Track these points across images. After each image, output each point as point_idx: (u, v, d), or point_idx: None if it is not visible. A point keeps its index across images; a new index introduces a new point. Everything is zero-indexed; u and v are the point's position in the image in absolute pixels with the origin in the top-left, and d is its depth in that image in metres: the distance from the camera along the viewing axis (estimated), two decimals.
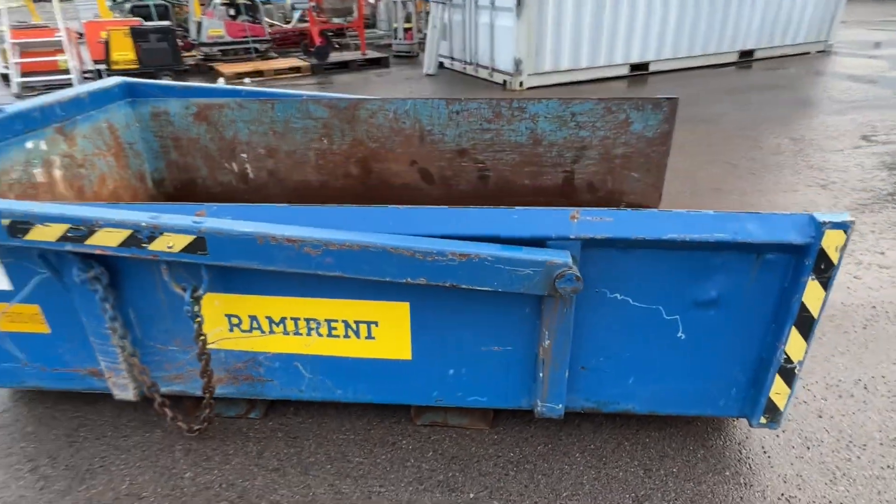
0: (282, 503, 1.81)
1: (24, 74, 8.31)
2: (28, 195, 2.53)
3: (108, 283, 1.82)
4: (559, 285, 1.56)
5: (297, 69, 9.59)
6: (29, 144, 2.53)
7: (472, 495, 1.83)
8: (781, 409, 1.82)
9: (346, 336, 1.90)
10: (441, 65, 9.92)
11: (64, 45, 8.35)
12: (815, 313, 1.66)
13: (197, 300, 1.75)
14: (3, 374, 2.12)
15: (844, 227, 1.52)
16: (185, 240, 1.60)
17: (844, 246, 1.55)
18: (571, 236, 1.63)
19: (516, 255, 1.57)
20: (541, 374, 1.86)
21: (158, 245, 1.61)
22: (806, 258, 1.58)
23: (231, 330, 1.93)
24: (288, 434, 2.09)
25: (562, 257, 1.58)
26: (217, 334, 1.94)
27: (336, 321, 1.87)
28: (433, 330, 1.87)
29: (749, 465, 1.92)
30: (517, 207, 1.76)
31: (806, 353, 1.72)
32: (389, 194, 3.35)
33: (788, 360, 1.73)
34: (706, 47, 9.01)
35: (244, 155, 3.33)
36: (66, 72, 8.41)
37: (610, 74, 8.47)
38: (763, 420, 1.85)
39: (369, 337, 1.89)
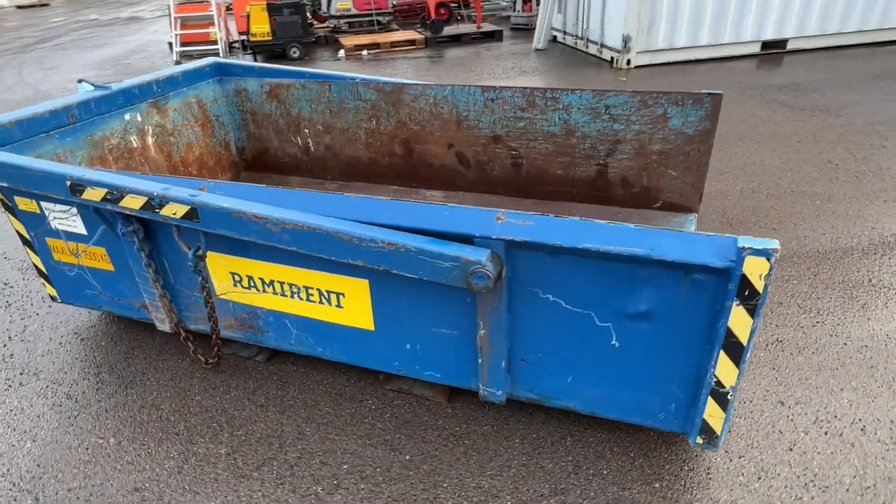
0: (256, 433, 2.18)
1: (182, 44, 9.65)
2: (124, 158, 3.14)
3: (144, 237, 2.27)
4: (472, 280, 1.67)
5: (412, 42, 9.95)
6: (127, 116, 3.12)
7: (407, 457, 2.04)
8: (717, 432, 1.77)
9: (321, 302, 2.17)
10: (554, 38, 9.68)
11: (214, 18, 9.52)
12: (742, 340, 1.58)
13: (200, 258, 2.13)
14: (88, 298, 2.73)
15: (767, 254, 1.44)
16: (183, 209, 1.97)
17: (769, 274, 1.47)
18: (493, 236, 1.71)
19: (436, 249, 1.71)
20: (479, 360, 1.99)
21: (166, 211, 2.00)
22: (729, 282, 1.52)
23: (235, 285, 2.31)
24: (280, 379, 2.45)
25: (477, 255, 1.68)
26: (225, 287, 2.33)
27: (311, 289, 2.15)
28: (391, 306, 2.07)
29: (684, 482, 1.89)
30: (450, 204, 1.87)
31: (738, 378, 1.66)
32: (429, 174, 3.55)
33: (720, 383, 1.68)
34: (864, 22, 7.75)
35: (306, 130, 3.72)
36: (215, 42, 9.61)
37: (735, 53, 7.68)
38: (699, 440, 1.81)
39: (339, 306, 2.15)
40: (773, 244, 1.45)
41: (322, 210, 1.90)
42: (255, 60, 9.61)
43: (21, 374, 2.56)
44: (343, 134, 3.63)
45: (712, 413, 1.74)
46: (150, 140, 3.28)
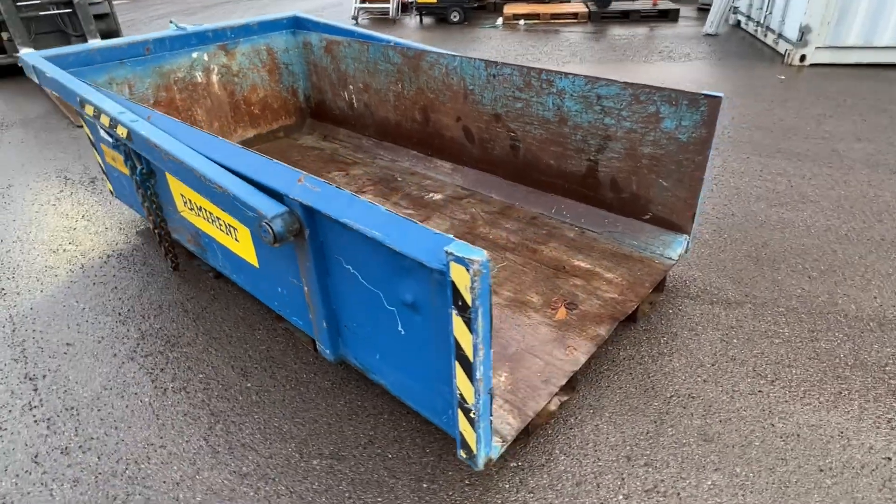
0: (165, 329, 2.58)
1: (361, 2, 10.56)
2: (188, 90, 3.74)
3: (127, 152, 2.75)
4: (260, 232, 1.76)
5: (574, 15, 9.50)
6: (194, 55, 3.70)
7: (248, 385, 2.25)
8: (473, 450, 1.63)
9: (227, 234, 2.44)
10: (738, 24, 8.41)
11: None
12: (468, 354, 1.43)
13: (144, 176, 2.55)
14: (125, 197, 3.39)
15: (465, 264, 1.28)
16: (124, 131, 2.37)
17: (474, 287, 1.30)
18: (292, 196, 1.77)
19: (244, 197, 1.82)
20: (310, 316, 2.08)
21: (119, 131, 2.43)
22: (447, 287, 1.39)
23: (185, 205, 2.69)
24: (214, 294, 2.82)
25: (268, 210, 1.75)
26: (181, 206, 2.74)
27: (220, 220, 2.43)
28: (264, 248, 2.25)
29: (452, 493, 1.79)
30: (276, 161, 1.93)
31: (477, 397, 1.50)
32: (441, 144, 3.56)
33: (463, 398, 1.54)
34: None
35: (351, 87, 3.97)
36: (388, 1, 10.33)
37: None
38: (462, 454, 1.69)
39: (236, 240, 2.40)
40: (477, 255, 1.29)
41: (202, 148, 2.13)
42: (421, 22, 10.12)
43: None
44: (377, 94, 3.80)
45: (465, 429, 1.62)
46: (214, 78, 3.84)
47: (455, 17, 9.75)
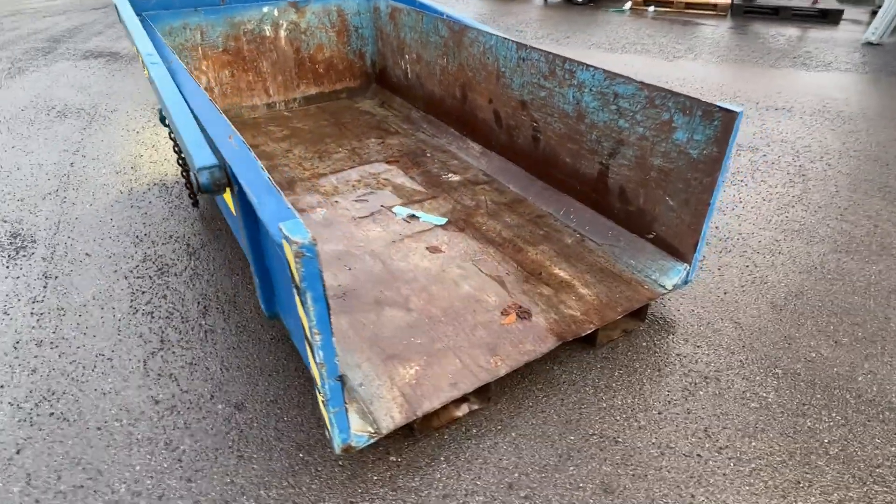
0: (178, 265, 2.82)
1: None
2: (255, 42, 3.96)
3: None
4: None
5: (712, 6, 8.55)
6: (265, 9, 3.89)
7: (203, 322, 2.40)
8: (329, 433, 1.60)
9: None
10: None
11: None
12: (308, 336, 1.40)
13: (160, 113, 2.75)
14: None
15: (290, 243, 1.23)
16: (147, 72, 2.57)
17: (299, 268, 1.25)
18: (220, 152, 1.81)
19: (188, 146, 1.90)
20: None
21: (145, 71, 2.64)
22: (285, 263, 1.35)
23: None
24: (227, 234, 3.02)
25: (199, 161, 1.79)
26: None
27: None
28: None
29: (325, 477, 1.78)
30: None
31: (322, 382, 1.47)
32: (474, 125, 3.45)
33: (315, 380, 1.51)
34: None
35: (407, 56, 3.95)
36: None
37: None
38: (327, 434, 1.67)
39: None
40: (301, 236, 1.24)
41: (192, 103, 2.25)
42: (546, 0, 9.73)
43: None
44: (427, 66, 3.75)
45: (322, 410, 1.60)
46: (282, 33, 4.02)
47: None
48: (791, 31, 7.55)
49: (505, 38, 2.94)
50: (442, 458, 1.83)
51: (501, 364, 1.98)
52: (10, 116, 4.70)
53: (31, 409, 2.01)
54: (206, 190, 1.81)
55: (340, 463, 1.81)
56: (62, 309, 2.49)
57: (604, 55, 6.38)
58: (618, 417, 1.96)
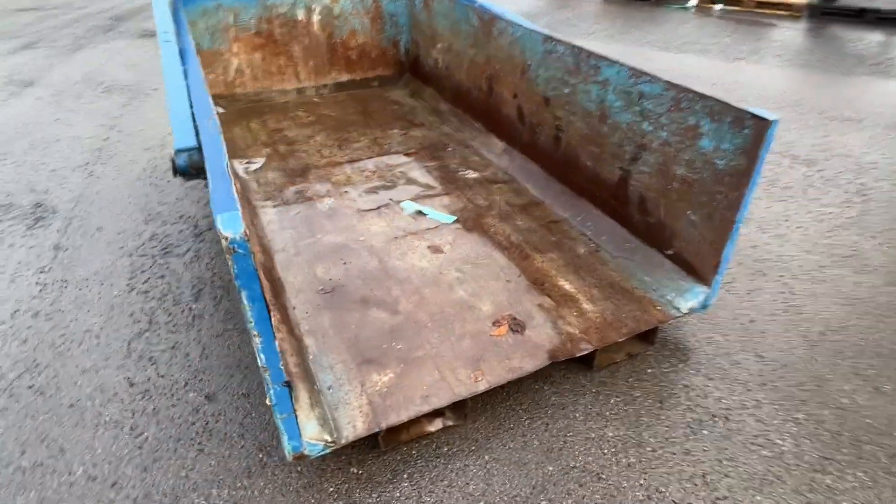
0: (182, 247, 2.82)
1: None
2: (287, 25, 3.92)
3: None
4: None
5: (786, 6, 7.92)
6: None
7: (194, 307, 2.36)
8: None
9: None
10: None
11: None
12: (251, 336, 1.30)
13: None
14: None
15: (223, 237, 1.12)
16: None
17: (233, 264, 1.15)
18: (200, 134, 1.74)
19: (173, 125, 1.84)
20: None
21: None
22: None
23: None
24: None
25: (179, 142, 1.74)
26: None
27: None
28: None
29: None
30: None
31: (267, 387, 1.37)
32: (498, 119, 3.28)
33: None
34: None
35: (438, 45, 3.81)
36: None
37: None
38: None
39: None
40: (233, 230, 1.14)
41: (191, 81, 2.20)
42: None
43: None
44: (455, 57, 3.60)
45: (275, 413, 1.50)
46: (315, 17, 3.96)
47: None
48: (874, 36, 6.89)
49: (532, 30, 2.76)
50: (405, 476, 1.70)
51: (482, 379, 1.83)
52: (61, 90, 4.89)
53: (13, 380, 2.02)
54: (182, 171, 1.75)
55: (298, 469, 1.72)
56: (65, 281, 2.52)
57: (656, 53, 6.02)
58: (605, 451, 1.77)
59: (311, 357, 1.92)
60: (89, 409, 1.91)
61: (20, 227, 2.91)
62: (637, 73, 2.18)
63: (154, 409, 1.91)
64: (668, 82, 2.06)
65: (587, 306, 2.15)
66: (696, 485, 1.68)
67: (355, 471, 1.72)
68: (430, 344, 1.97)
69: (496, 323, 2.07)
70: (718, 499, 1.64)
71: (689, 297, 2.13)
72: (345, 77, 4.30)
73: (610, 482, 1.68)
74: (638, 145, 2.26)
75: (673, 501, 1.63)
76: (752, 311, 2.37)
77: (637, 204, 2.36)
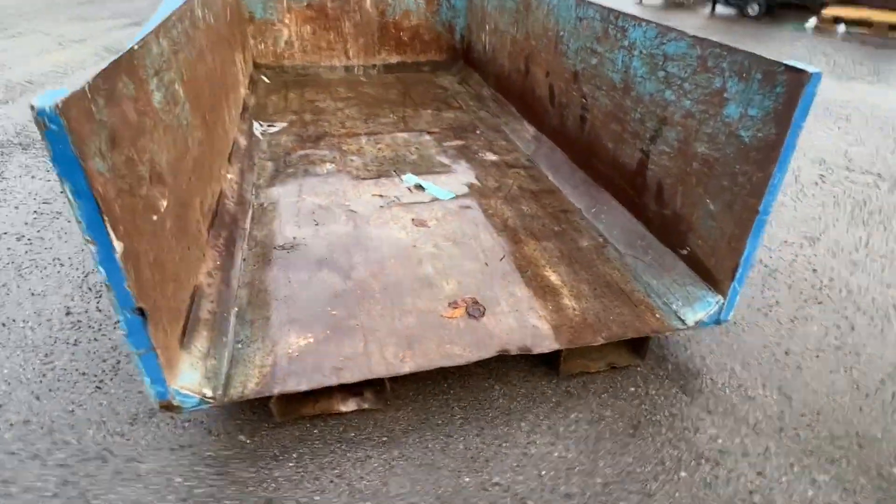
0: None
1: None
2: (337, 4, 3.86)
3: None
4: None
5: None
6: None
7: None
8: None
9: None
10: None
11: None
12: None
13: None
14: None
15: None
16: None
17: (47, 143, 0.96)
18: None
19: None
20: None
21: None
22: None
23: None
24: None
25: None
26: None
27: None
28: None
29: None
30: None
31: (115, 311, 1.18)
32: (532, 103, 2.99)
33: None
34: None
35: (487, 27, 3.57)
36: None
37: None
38: None
39: None
40: (45, 102, 0.96)
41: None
42: (713, 11, 8.63)
43: None
44: (500, 38, 3.34)
45: None
46: None
47: (754, 10, 8.03)
48: None
49: None
50: (294, 455, 1.45)
51: (409, 361, 1.54)
52: None
53: None
54: None
55: (185, 426, 1.52)
56: (59, 213, 2.54)
57: None
58: (542, 474, 1.41)
59: (235, 309, 1.73)
60: (17, 331, 1.84)
61: (47, 161, 3.01)
62: (663, 31, 1.82)
63: (76, 340, 1.80)
64: (693, 37, 1.68)
65: (568, 302, 1.79)
66: None
67: (244, 439, 1.49)
68: (368, 315, 1.71)
69: (453, 304, 1.77)
70: None
71: (698, 308, 1.70)
72: (394, 59, 4.18)
73: None
74: (659, 119, 1.88)
75: None
76: (790, 342, 1.87)
77: (654, 193, 1.96)
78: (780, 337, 1.90)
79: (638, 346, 1.76)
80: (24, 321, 1.88)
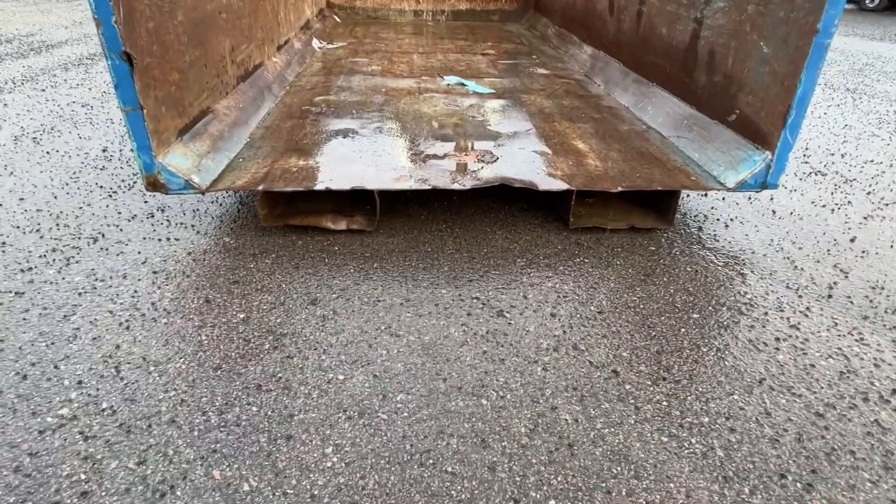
0: None
1: None
2: None
3: None
4: None
5: None
6: None
7: None
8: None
9: None
10: None
11: None
12: None
13: None
14: None
15: None
16: None
17: None
18: None
19: None
20: None
21: None
22: None
23: None
24: None
25: None
26: None
27: None
28: None
29: None
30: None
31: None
32: (592, 20, 2.84)
33: None
34: None
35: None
36: None
37: None
38: None
39: None
40: None
41: None
42: None
43: None
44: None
45: None
46: None
47: (872, 2, 7.30)
48: None
49: None
50: (272, 256, 1.39)
51: (403, 181, 1.45)
52: None
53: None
54: None
55: (176, 225, 1.52)
56: None
57: (857, 41, 4.83)
58: (529, 297, 1.26)
59: (247, 140, 1.72)
60: (56, 158, 1.95)
61: (79, 70, 3.21)
62: None
63: (104, 167, 1.88)
64: None
65: (592, 161, 1.62)
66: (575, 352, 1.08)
67: (228, 241, 1.46)
68: (375, 146, 1.65)
69: (461, 149, 1.66)
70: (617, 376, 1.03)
71: (742, 169, 1.48)
72: (464, 5, 4.16)
73: (510, 324, 1.17)
74: None
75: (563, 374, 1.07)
76: (858, 233, 1.59)
77: (706, 63, 1.75)
78: (846, 229, 1.61)
79: (665, 210, 1.56)
80: (65, 153, 1.99)
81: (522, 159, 1.62)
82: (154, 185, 1.36)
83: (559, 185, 1.45)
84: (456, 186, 1.43)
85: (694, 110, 1.82)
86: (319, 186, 1.41)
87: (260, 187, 1.39)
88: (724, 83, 1.66)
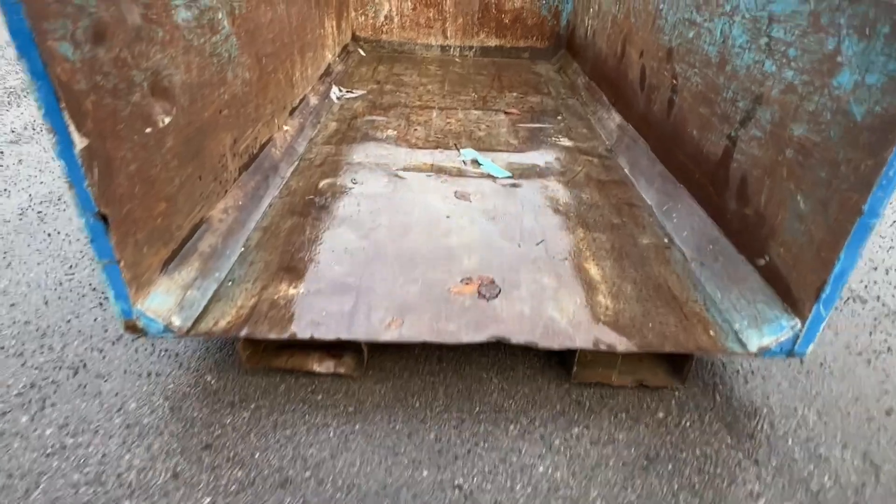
0: None
1: None
2: None
3: None
4: None
5: None
6: None
7: None
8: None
9: None
10: None
11: None
12: None
13: None
14: None
15: None
16: None
17: None
18: None
19: None
20: None
21: None
22: None
23: None
24: None
25: None
26: None
27: None
28: None
29: None
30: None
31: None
32: (623, 86, 2.68)
33: None
34: None
35: (591, 10, 3.29)
36: None
37: None
38: None
39: None
40: None
41: None
42: None
43: None
44: (602, 20, 3.05)
45: None
46: None
47: None
48: None
49: None
50: (252, 406, 1.33)
51: (393, 329, 1.36)
52: None
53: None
54: None
55: (160, 353, 1.46)
56: None
57: None
58: (518, 488, 1.16)
59: (242, 249, 1.66)
60: (57, 242, 1.92)
61: None
62: None
63: None
64: None
65: (602, 300, 1.50)
66: None
67: (210, 379, 1.40)
68: (370, 277, 1.56)
69: (465, 280, 1.56)
70: None
71: (767, 331, 1.34)
72: (493, 42, 4.01)
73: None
74: (754, 97, 1.53)
75: None
76: None
77: (736, 189, 1.60)
78: (883, 392, 1.46)
79: (679, 366, 1.43)
80: (66, 235, 1.96)
81: (526, 294, 1.51)
82: (132, 328, 1.30)
83: (561, 344, 1.34)
84: (449, 340, 1.34)
85: (721, 234, 1.68)
86: (303, 335, 1.33)
87: (242, 332, 1.33)
88: (755, 220, 1.51)
